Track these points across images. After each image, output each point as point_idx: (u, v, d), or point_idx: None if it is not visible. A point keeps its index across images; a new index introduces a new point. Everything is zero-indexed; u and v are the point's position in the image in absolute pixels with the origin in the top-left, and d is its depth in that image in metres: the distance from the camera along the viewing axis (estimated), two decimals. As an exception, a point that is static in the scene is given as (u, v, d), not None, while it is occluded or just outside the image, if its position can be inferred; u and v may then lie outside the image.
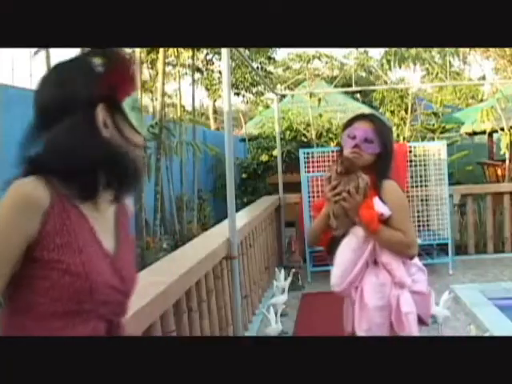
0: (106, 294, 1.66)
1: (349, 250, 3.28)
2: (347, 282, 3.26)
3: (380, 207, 3.19)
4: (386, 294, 3.21)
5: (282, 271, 7.58)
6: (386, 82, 13.84)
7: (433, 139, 13.50)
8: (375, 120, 3.42)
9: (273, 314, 6.29)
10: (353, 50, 29.03)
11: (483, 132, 15.14)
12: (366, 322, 3.21)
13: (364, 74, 27.92)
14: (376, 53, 31.62)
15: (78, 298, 1.59)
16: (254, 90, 26.42)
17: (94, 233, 1.69)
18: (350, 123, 3.41)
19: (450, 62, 14.64)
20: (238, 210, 6.73)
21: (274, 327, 6.21)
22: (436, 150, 9.61)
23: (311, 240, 3.62)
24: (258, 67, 23.95)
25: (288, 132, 13.88)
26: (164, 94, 10.86)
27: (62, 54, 1.52)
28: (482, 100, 22.54)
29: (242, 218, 7.14)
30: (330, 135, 13.92)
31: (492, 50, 20.47)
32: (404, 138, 13.80)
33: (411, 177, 9.42)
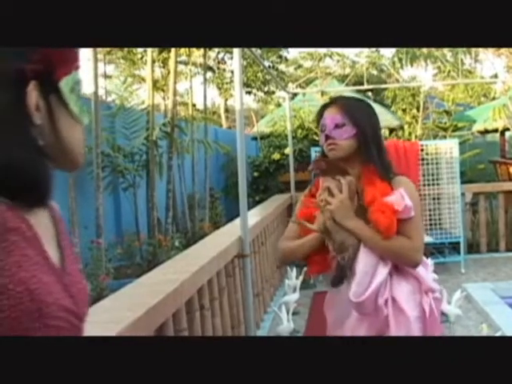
0: (58, 319, 1.21)
1: (371, 253, 2.71)
2: (370, 292, 2.68)
3: (404, 201, 2.65)
4: (417, 303, 2.75)
5: (294, 269, 7.58)
6: (397, 81, 13.84)
7: (445, 137, 13.46)
8: (343, 101, 2.95)
9: (284, 313, 6.30)
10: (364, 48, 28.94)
11: (495, 130, 15.11)
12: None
13: (376, 73, 27.82)
14: (388, 51, 31.49)
15: (23, 325, 1.14)
16: (266, 88, 26.41)
17: (38, 240, 1.23)
18: (319, 115, 2.93)
19: (461, 60, 14.64)
20: (249, 208, 6.74)
21: (286, 326, 6.22)
22: (448, 149, 9.59)
23: (286, 260, 3.18)
24: (269, 66, 23.93)
25: (300, 130, 13.86)
26: (176, 92, 10.89)
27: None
28: (494, 98, 22.45)
29: (253, 217, 7.14)
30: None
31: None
32: (416, 137, 13.78)
33: (423, 175, 9.41)
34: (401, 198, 2.66)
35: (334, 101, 2.95)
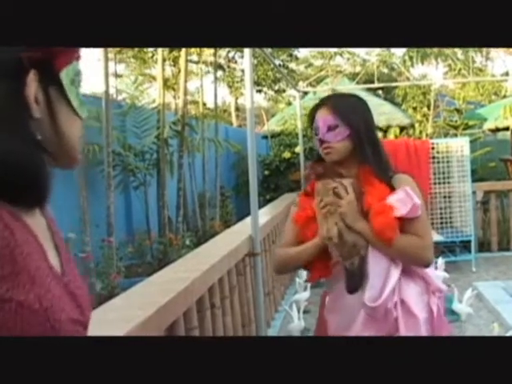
0: (67, 333, 1.12)
1: (381, 255, 2.60)
2: (386, 295, 2.56)
3: (413, 199, 2.54)
4: (425, 304, 2.67)
5: (305, 268, 7.57)
6: (408, 79, 13.80)
7: (455, 136, 13.43)
8: (333, 100, 2.82)
9: (295, 311, 6.31)
10: (375, 46, 28.77)
11: (506, 128, 15.04)
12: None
13: (386, 71, 27.76)
14: (398, 49, 31.53)
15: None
16: (276, 87, 26.40)
17: (43, 250, 1.13)
18: (311, 117, 2.83)
19: (472, 58, 14.60)
20: (260, 206, 6.74)
21: (297, 324, 6.22)
22: (459, 147, 9.57)
23: (284, 269, 2.98)
24: (280, 64, 23.93)
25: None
26: (186, 91, 10.90)
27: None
28: (504, 96, 22.36)
29: (264, 215, 7.15)
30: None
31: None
32: (427, 135, 13.75)
33: (434, 174, 9.40)
34: (406, 196, 2.57)
35: (325, 101, 2.82)
